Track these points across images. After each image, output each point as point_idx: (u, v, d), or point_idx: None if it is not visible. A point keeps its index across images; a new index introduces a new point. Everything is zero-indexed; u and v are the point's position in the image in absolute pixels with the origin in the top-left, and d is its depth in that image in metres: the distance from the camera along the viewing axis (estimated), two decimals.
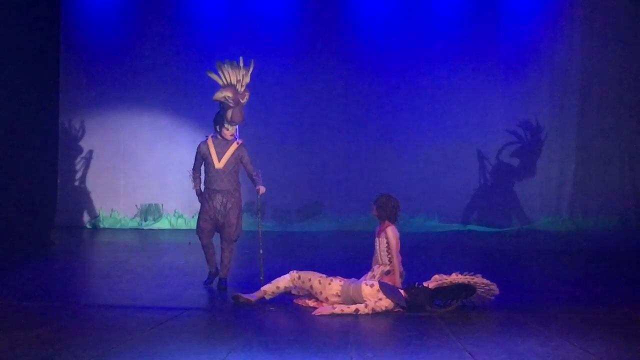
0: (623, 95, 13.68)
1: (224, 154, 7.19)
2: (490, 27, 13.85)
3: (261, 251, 7.17)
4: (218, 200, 7.17)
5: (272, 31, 13.89)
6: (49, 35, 12.94)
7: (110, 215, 13.85)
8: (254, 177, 7.33)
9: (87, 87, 13.83)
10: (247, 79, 7.21)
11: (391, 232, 6.77)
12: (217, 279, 7.33)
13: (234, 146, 7.24)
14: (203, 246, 7.37)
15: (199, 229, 7.32)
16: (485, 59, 13.80)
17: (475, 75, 13.75)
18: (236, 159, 7.23)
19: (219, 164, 7.17)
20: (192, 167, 7.44)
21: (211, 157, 7.18)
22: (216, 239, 7.41)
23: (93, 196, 13.81)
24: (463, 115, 13.76)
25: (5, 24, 11.26)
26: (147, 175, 13.58)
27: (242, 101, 7.17)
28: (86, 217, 13.86)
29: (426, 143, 13.76)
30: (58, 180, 13.50)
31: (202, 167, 7.34)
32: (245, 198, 12.86)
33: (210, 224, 7.25)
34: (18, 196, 11.62)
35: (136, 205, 13.90)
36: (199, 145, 7.31)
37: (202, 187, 7.35)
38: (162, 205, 13.57)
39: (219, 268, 7.33)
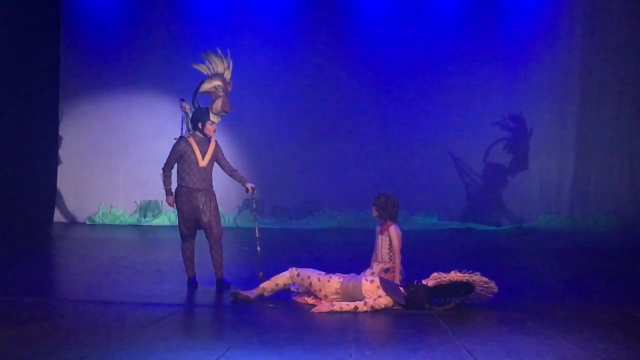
0: (623, 95, 13.65)
1: (207, 151, 7.05)
2: (491, 27, 13.83)
3: (258, 248, 7.17)
4: (200, 199, 7.01)
5: (272, 28, 13.86)
6: (49, 31, 12.96)
7: (110, 211, 13.85)
8: (237, 175, 7.24)
9: (87, 83, 13.80)
10: (232, 67, 7.19)
11: (394, 232, 6.77)
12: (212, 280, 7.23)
13: (214, 143, 7.14)
14: (185, 250, 7.16)
15: (182, 235, 7.16)
16: (486, 58, 13.78)
17: (475, 74, 13.73)
18: (214, 156, 7.13)
19: (202, 162, 7.02)
20: (164, 166, 7.16)
21: (195, 155, 6.99)
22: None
23: (92, 192, 13.79)
24: (463, 114, 13.74)
25: (5, 18, 11.27)
26: (146, 171, 13.52)
27: (229, 89, 7.14)
28: (85, 213, 13.84)
29: (426, 141, 13.75)
30: (57, 177, 13.55)
31: (175, 166, 7.12)
32: (242, 196, 12.85)
33: (193, 226, 7.11)
34: (17, 192, 11.65)
35: (135, 202, 13.89)
36: (178, 143, 7.04)
37: (172, 187, 7.17)
38: (162, 201, 13.53)
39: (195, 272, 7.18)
